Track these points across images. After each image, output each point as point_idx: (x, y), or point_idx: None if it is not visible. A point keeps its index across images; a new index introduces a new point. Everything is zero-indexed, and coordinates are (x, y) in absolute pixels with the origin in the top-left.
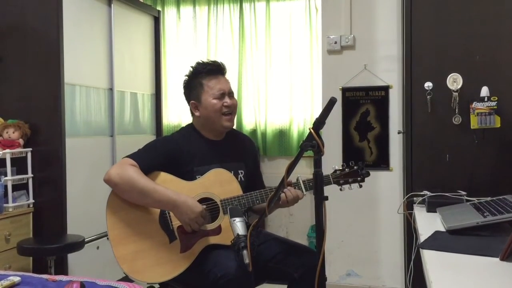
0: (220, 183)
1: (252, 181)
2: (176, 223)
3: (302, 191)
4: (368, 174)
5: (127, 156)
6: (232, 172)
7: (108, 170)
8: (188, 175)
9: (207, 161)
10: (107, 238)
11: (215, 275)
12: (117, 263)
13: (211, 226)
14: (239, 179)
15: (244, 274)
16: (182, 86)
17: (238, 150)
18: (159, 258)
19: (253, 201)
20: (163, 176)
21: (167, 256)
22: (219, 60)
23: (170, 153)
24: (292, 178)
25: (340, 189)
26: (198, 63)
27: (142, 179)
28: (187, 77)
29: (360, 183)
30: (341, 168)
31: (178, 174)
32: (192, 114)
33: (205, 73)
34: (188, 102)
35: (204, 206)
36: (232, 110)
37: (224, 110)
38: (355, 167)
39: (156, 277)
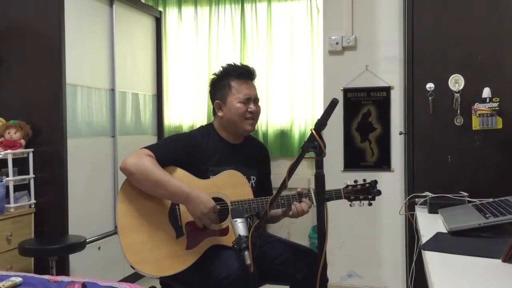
0: (232, 184)
1: (262, 188)
2: (185, 219)
3: (313, 202)
4: (380, 193)
5: (145, 147)
6: (245, 177)
7: (124, 159)
8: (202, 174)
9: (223, 162)
10: (115, 226)
11: (219, 275)
12: (122, 252)
13: (219, 227)
14: (250, 185)
15: (247, 275)
16: (208, 84)
17: (253, 156)
18: (164, 252)
19: (263, 207)
20: (177, 171)
21: (172, 251)
22: (250, 66)
23: (188, 149)
24: (296, 181)
25: (350, 205)
26: (229, 65)
27: (158, 170)
28: (215, 76)
29: (371, 201)
30: (353, 184)
31: (192, 172)
32: (215, 114)
33: (235, 75)
34: (213, 101)
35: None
36: (255, 116)
37: (248, 116)
38: (367, 184)
39: (159, 270)
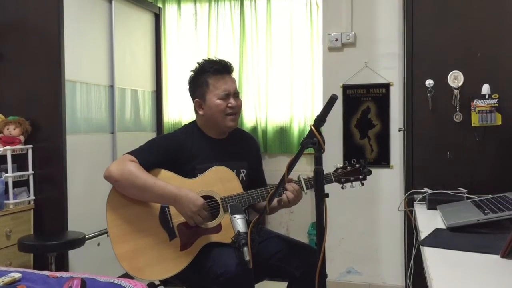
0: (220, 180)
1: (254, 180)
2: (176, 220)
3: (303, 190)
4: (370, 172)
5: (128, 153)
6: (234, 171)
7: (108, 167)
8: (189, 173)
9: (209, 159)
10: (107, 236)
11: (215, 272)
12: (117, 260)
13: (211, 224)
14: (240, 178)
15: (244, 272)
16: (187, 82)
17: (240, 149)
18: (159, 255)
19: (253, 199)
20: (164, 173)
21: (167, 254)
22: (226, 59)
23: (171, 150)
24: (293, 176)
25: (342, 187)
26: (205, 61)
27: (143, 174)
28: (193, 74)
29: (362, 182)
30: (342, 166)
31: (179, 172)
32: (196, 112)
33: (212, 72)
34: (193, 100)
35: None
36: (237, 111)
37: (228, 111)
38: (357, 165)
39: (157, 274)
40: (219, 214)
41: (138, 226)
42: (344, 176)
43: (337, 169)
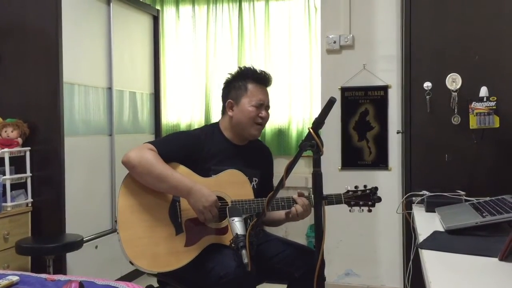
0: (233, 184)
1: (264, 190)
2: (185, 216)
3: (313, 205)
4: (380, 200)
5: (148, 142)
6: (248, 178)
7: (127, 153)
8: (204, 172)
9: (226, 163)
10: (115, 221)
11: (217, 274)
12: (121, 246)
13: (219, 225)
14: (252, 186)
15: (245, 274)
16: (222, 83)
17: (256, 158)
18: (163, 248)
19: (263, 207)
20: (180, 168)
21: (171, 247)
22: (268, 72)
23: (191, 147)
24: (292, 177)
25: (350, 210)
26: (248, 68)
27: (160, 164)
28: (231, 77)
29: (370, 208)
30: (353, 189)
31: (194, 170)
32: (223, 113)
33: (254, 79)
34: (225, 100)
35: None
36: (265, 122)
37: (258, 120)
38: (367, 190)
39: (157, 266)
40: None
41: (147, 216)
42: (354, 199)
43: (347, 191)
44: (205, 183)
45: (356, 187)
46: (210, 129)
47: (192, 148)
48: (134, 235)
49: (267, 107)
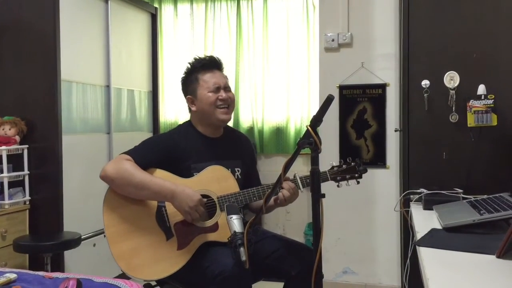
0: (217, 179)
1: (248, 179)
2: (173, 220)
3: (299, 188)
4: (366, 171)
5: (123, 153)
6: (229, 169)
7: (103, 167)
8: (185, 172)
9: (204, 158)
10: (104, 236)
11: (212, 272)
12: (115, 260)
13: (208, 223)
14: (236, 177)
15: (241, 272)
16: (180, 83)
17: (235, 148)
18: (156, 255)
19: (250, 198)
20: (160, 173)
21: (164, 253)
22: (215, 55)
23: (166, 149)
24: (289, 175)
25: (338, 186)
26: (194, 59)
27: (139, 172)
28: (184, 74)
29: (358, 179)
30: (338, 164)
31: (175, 171)
32: (189, 110)
33: (201, 67)
34: (185, 98)
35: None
36: (229, 103)
37: (219, 103)
38: (352, 163)
39: (154, 274)
40: (216, 213)
41: (135, 226)
42: (339, 174)
43: (332, 167)
44: (188, 183)
45: (340, 161)
46: (184, 127)
47: (168, 150)
48: (125, 248)
49: (225, 88)
